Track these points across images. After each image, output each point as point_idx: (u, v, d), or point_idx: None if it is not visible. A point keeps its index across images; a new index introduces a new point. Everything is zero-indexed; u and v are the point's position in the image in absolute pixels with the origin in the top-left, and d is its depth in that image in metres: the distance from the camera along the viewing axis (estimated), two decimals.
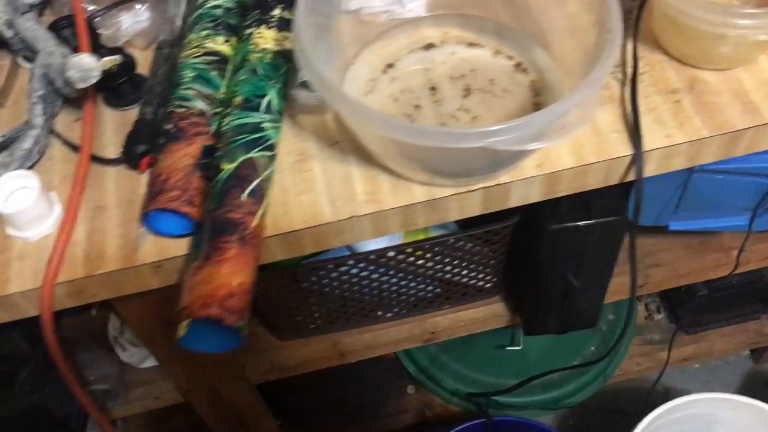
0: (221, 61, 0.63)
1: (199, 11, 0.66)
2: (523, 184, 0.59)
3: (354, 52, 0.66)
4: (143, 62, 0.68)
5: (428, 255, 0.87)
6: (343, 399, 1.32)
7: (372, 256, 0.77)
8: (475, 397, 1.20)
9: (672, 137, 0.59)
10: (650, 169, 0.62)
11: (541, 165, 0.59)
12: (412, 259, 0.87)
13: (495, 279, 0.95)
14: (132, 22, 0.69)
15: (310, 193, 0.60)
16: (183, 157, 0.57)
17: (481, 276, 0.95)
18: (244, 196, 0.55)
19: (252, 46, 0.63)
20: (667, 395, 1.41)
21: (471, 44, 0.66)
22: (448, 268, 0.91)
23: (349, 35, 0.67)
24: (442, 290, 0.95)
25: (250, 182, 0.56)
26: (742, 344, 1.32)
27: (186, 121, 0.59)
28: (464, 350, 1.28)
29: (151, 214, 0.56)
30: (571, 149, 0.59)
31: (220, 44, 0.64)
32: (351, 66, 0.65)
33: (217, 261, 0.52)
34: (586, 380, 1.29)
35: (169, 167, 0.57)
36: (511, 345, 1.25)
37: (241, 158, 0.57)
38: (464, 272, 0.92)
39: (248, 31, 0.65)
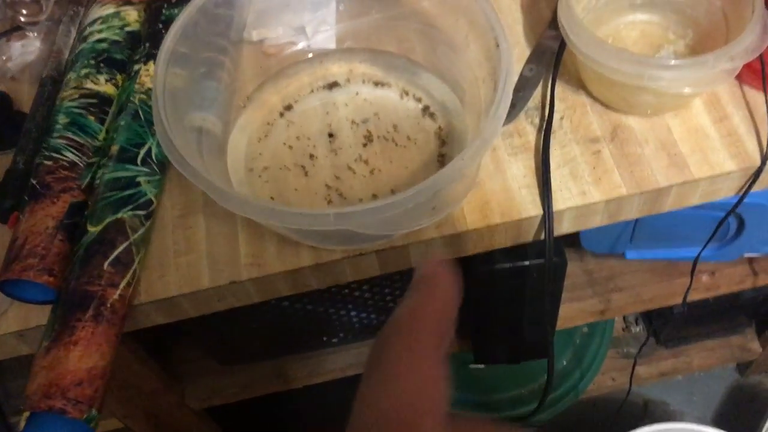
0: (101, 103, 0.58)
1: (82, 45, 0.60)
2: (422, 245, 0.54)
3: (252, 89, 0.61)
4: (29, 100, 0.63)
5: (365, 287, 0.83)
6: (306, 413, 1.29)
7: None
8: None
9: (587, 195, 0.53)
10: (565, 227, 0.56)
11: (441, 226, 0.53)
12: (347, 291, 0.82)
13: None
14: (21, 52, 0.64)
15: (191, 254, 0.55)
16: (45, 218, 0.52)
17: None
18: (107, 264, 0.50)
19: (137, 86, 0.58)
20: (647, 408, 1.36)
21: (377, 83, 0.60)
22: (389, 297, 0.86)
23: (249, 70, 0.61)
24: (387, 317, 0.90)
25: (116, 248, 0.51)
26: (725, 359, 1.26)
27: (52, 176, 0.54)
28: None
29: (8, 281, 0.51)
30: (475, 207, 0.54)
31: (102, 84, 0.59)
32: (248, 106, 0.60)
33: (65, 343, 0.47)
34: (557, 396, 1.24)
35: (28, 230, 0.52)
36: (474, 363, 1.20)
37: (108, 219, 0.52)
38: None
39: (136, 67, 0.60)
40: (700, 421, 1.27)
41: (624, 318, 1.30)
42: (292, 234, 0.52)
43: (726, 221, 0.75)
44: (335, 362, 0.96)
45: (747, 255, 0.90)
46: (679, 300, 0.96)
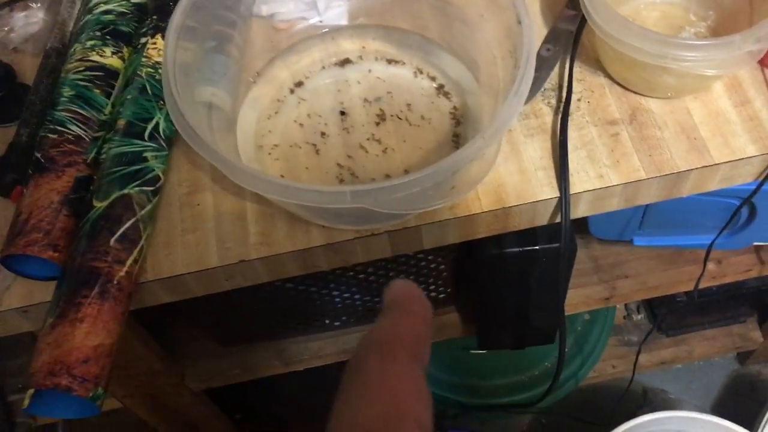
0: (107, 76, 0.57)
1: (87, 17, 0.59)
2: (435, 227, 0.53)
3: (262, 65, 0.59)
4: (33, 72, 0.61)
5: (370, 270, 0.81)
6: (306, 394, 1.28)
7: None
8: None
9: (605, 178, 0.52)
10: (581, 210, 0.55)
11: (454, 207, 0.52)
12: (351, 273, 0.81)
13: (448, 290, 0.90)
14: (24, 23, 0.62)
15: (198, 231, 0.54)
16: (50, 192, 0.51)
17: (432, 287, 0.89)
18: (113, 240, 0.49)
19: (144, 59, 0.57)
20: (646, 396, 1.36)
21: (391, 61, 0.58)
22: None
23: (258, 45, 0.60)
24: None
25: (122, 224, 0.50)
26: (725, 348, 1.26)
27: (57, 150, 0.52)
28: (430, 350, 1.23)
29: (11, 256, 0.50)
30: (490, 189, 0.52)
31: (108, 56, 0.57)
32: (257, 82, 0.58)
33: (71, 320, 0.46)
34: (557, 383, 1.24)
35: (32, 204, 0.51)
36: (479, 348, 1.19)
37: (115, 195, 0.51)
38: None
39: (143, 40, 0.58)
40: (699, 409, 1.27)
41: (625, 306, 1.30)
42: (303, 212, 0.51)
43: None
44: (337, 345, 0.95)
45: (755, 243, 0.89)
46: (684, 288, 0.95)
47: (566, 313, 0.95)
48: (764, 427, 1.04)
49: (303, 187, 0.41)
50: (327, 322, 0.93)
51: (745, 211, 0.78)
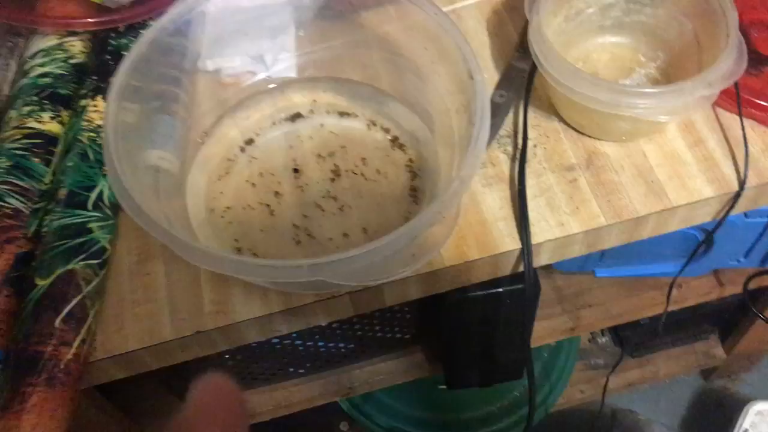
0: (46, 142, 0.54)
1: (23, 80, 0.56)
2: (397, 285, 0.51)
3: (210, 124, 0.57)
4: None
5: None
6: None
7: None
8: None
9: (565, 226, 0.52)
10: (544, 259, 0.54)
11: None
12: None
13: (413, 331, 0.88)
14: None
15: (150, 303, 0.51)
16: None
17: (397, 329, 0.88)
18: (58, 321, 0.46)
19: (85, 123, 0.54)
20: (615, 418, 1.36)
21: (343, 114, 0.57)
22: (358, 327, 0.84)
23: (205, 103, 0.58)
24: (356, 345, 0.88)
25: (68, 302, 0.47)
26: (690, 366, 1.26)
27: None
28: (399, 387, 1.21)
29: None
30: (451, 242, 0.51)
31: (46, 122, 0.55)
32: (206, 141, 0.57)
33: (16, 411, 0.43)
34: (526, 412, 1.23)
35: None
36: (447, 388, 1.18)
37: (59, 271, 0.48)
38: (377, 328, 0.85)
39: (83, 102, 0.56)
40: (668, 428, 1.27)
41: None
42: (260, 282, 0.49)
43: (695, 239, 0.75)
44: (302, 393, 0.92)
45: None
46: (647, 314, 0.95)
47: (533, 346, 0.95)
48: None
49: (257, 262, 0.40)
50: (291, 370, 0.91)
51: None
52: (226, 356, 0.80)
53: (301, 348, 0.85)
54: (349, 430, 1.25)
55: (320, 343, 0.85)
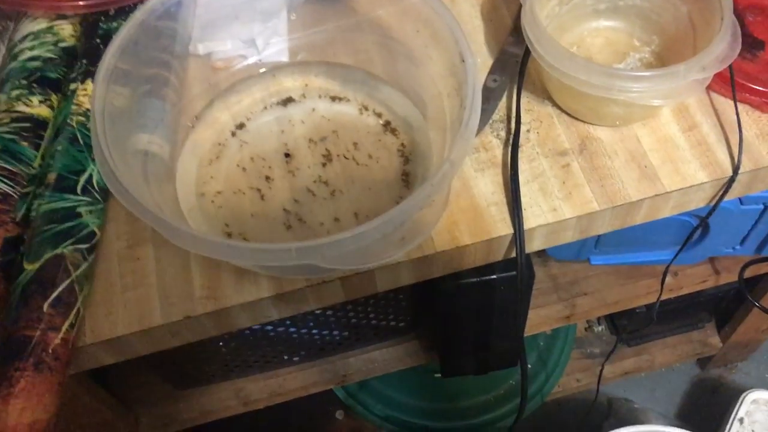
0: (35, 126, 0.54)
1: (12, 64, 0.56)
2: (389, 270, 0.51)
3: (201, 108, 0.57)
4: None
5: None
6: (268, 424, 1.25)
7: None
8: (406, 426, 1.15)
9: (558, 211, 0.51)
10: (536, 245, 0.54)
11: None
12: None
13: (408, 319, 0.88)
14: None
15: (140, 288, 0.51)
16: None
17: (392, 317, 0.87)
18: (47, 305, 0.46)
19: (75, 107, 0.54)
20: (611, 407, 1.36)
21: (335, 98, 0.56)
22: (352, 314, 0.83)
23: (196, 87, 0.57)
24: (350, 333, 0.88)
25: (56, 287, 0.47)
26: (686, 355, 1.27)
27: None
28: (394, 375, 1.21)
29: None
30: (443, 228, 0.51)
31: (35, 106, 0.54)
32: (196, 126, 0.56)
33: (3, 396, 0.43)
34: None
35: None
36: (442, 376, 1.18)
37: (47, 256, 0.48)
38: (371, 316, 0.85)
39: (72, 86, 0.55)
40: (664, 416, 1.28)
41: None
42: (249, 266, 0.49)
43: (690, 226, 0.74)
44: (296, 381, 0.92)
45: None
46: (643, 302, 0.95)
47: (528, 334, 0.94)
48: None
49: (245, 246, 0.39)
50: (285, 357, 0.91)
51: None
52: (220, 344, 0.80)
53: (295, 336, 0.84)
54: (345, 418, 1.26)
55: (314, 331, 0.85)
